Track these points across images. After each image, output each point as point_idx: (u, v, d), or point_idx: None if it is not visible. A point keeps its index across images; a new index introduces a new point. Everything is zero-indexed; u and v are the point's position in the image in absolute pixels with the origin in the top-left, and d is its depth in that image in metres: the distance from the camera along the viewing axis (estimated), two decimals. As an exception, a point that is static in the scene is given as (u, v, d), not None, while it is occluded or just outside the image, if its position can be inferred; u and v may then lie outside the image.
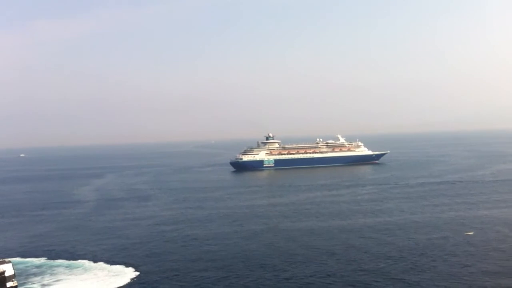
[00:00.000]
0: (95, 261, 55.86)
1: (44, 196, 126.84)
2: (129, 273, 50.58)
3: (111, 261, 55.59)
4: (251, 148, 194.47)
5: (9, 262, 42.03)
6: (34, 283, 48.60)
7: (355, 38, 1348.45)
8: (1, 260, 42.43)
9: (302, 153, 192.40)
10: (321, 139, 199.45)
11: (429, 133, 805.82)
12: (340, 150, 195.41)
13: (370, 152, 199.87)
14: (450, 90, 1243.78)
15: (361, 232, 64.84)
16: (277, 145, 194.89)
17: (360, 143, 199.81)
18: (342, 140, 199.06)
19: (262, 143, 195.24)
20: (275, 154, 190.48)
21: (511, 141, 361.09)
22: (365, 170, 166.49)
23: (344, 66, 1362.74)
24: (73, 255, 59.31)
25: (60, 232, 75.54)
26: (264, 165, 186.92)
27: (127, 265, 53.64)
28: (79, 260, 56.54)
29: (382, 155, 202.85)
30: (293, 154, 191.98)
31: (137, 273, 50.64)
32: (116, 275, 50.38)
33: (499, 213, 74.62)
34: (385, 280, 44.61)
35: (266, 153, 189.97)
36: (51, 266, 54.49)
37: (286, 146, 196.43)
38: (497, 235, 60.40)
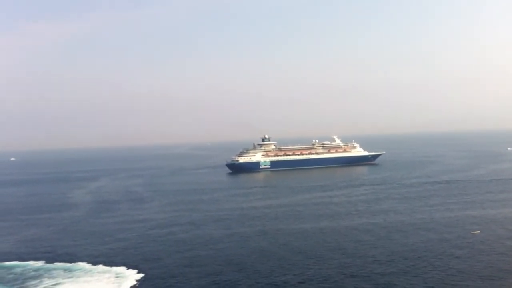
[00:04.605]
0: (94, 264, 55.39)
1: (39, 199, 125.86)
2: (132, 275, 50.10)
3: (110, 263, 55.14)
4: (247, 150, 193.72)
5: None
6: (33, 287, 48.05)
7: (349, 40, 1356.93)
8: None
9: (298, 154, 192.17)
10: (317, 140, 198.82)
11: (423, 134, 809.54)
12: (336, 151, 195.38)
13: (366, 153, 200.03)
14: (442, 91, 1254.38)
15: (356, 234, 64.42)
16: (273, 146, 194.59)
17: (356, 144, 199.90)
18: (338, 141, 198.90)
19: (258, 144, 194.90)
20: (271, 156, 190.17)
21: (503, 140, 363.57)
22: (362, 170, 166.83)
23: (338, 68, 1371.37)
24: (71, 258, 58.78)
25: (57, 235, 74.94)
26: (261, 167, 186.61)
27: (128, 267, 53.18)
28: (78, 263, 56.00)
29: (378, 155, 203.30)
30: (289, 155, 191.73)
31: (142, 274, 50.22)
32: (119, 276, 49.91)
33: (500, 212, 74.93)
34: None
35: (262, 155, 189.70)
36: (50, 269, 53.92)
37: (282, 147, 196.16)
38: (504, 233, 60.88)
